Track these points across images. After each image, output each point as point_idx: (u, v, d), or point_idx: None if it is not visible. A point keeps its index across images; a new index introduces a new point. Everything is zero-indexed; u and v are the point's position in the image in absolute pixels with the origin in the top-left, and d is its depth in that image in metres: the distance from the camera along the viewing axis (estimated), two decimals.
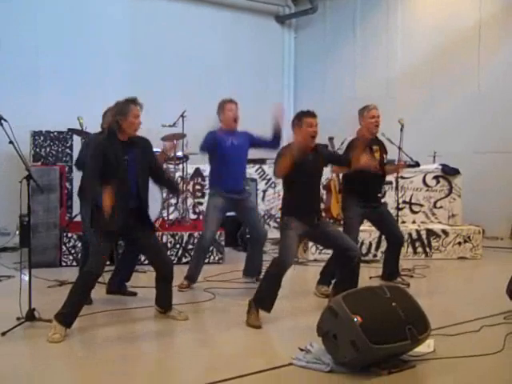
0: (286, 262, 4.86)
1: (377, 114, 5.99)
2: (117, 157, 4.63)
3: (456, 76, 10.49)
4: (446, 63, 10.63)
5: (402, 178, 8.17)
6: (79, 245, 7.10)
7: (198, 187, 9.28)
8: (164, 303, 5.00)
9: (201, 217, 8.84)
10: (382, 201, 6.34)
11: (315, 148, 5.10)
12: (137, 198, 4.73)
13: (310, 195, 5.10)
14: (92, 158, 4.71)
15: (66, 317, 4.47)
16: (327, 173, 7.75)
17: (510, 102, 9.79)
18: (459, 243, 8.05)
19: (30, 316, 4.61)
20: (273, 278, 4.86)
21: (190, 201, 8.74)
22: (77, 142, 8.51)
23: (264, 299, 4.82)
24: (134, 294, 5.75)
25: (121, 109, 4.68)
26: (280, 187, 8.79)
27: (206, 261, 7.32)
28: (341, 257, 5.14)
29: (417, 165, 8.51)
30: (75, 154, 9.04)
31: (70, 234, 7.21)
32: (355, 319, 3.65)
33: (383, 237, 6.69)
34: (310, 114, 5.01)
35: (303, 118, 4.99)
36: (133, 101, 4.72)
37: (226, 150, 5.98)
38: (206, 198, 7.17)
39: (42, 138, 9.12)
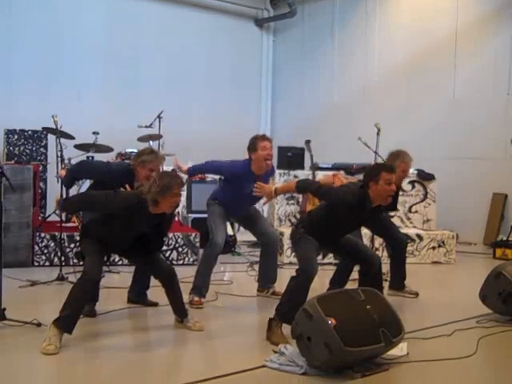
0: (310, 270, 4.37)
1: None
2: (135, 224, 4.44)
3: (432, 83, 10.61)
4: (423, 70, 10.75)
5: None
6: (52, 244, 7.04)
7: None
8: (177, 312, 4.75)
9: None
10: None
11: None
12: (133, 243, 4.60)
13: (346, 233, 4.72)
14: (106, 197, 4.38)
15: (64, 321, 4.15)
16: (303, 175, 7.78)
17: (484, 109, 9.92)
18: (433, 248, 8.12)
19: (1, 316, 4.53)
20: (297, 289, 4.36)
21: None
22: (51, 141, 8.43)
23: (289, 314, 4.09)
24: (155, 304, 5.34)
25: (162, 187, 4.24)
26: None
27: (181, 262, 7.35)
28: (362, 266, 4.80)
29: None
30: (50, 153, 8.97)
31: (42, 234, 7.11)
32: (329, 321, 3.64)
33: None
34: (391, 169, 4.45)
35: (382, 172, 4.40)
36: (176, 178, 4.33)
37: (244, 196, 5.39)
38: None
39: (15, 136, 9.02)
